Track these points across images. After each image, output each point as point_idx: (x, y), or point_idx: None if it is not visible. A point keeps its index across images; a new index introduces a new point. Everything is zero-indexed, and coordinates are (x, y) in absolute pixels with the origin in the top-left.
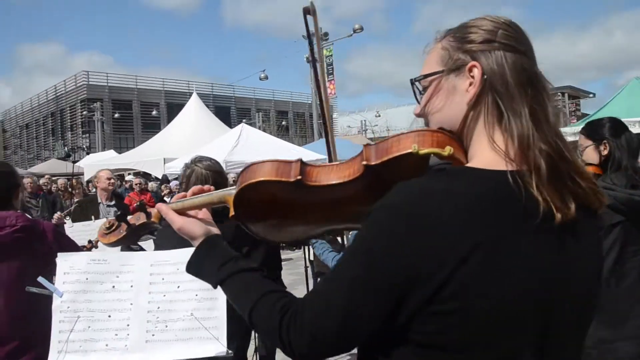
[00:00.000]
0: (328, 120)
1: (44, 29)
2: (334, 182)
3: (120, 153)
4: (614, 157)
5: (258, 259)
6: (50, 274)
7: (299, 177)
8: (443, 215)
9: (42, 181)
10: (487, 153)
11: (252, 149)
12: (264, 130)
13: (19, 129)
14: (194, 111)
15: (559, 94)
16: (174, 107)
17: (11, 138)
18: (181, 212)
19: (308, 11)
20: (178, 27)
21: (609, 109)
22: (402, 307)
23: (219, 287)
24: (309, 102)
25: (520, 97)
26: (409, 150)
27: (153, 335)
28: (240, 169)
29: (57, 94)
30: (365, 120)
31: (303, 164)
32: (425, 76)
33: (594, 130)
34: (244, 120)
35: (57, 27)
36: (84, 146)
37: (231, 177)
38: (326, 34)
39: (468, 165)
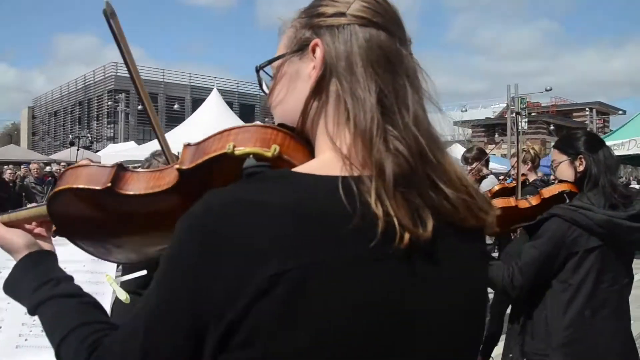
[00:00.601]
0: (150, 111)
1: (80, 20)
2: (144, 192)
3: (140, 144)
4: (591, 174)
5: None
6: None
7: (109, 185)
8: (242, 233)
9: (54, 168)
10: (327, 153)
11: None
12: None
13: (48, 116)
14: (215, 107)
15: (587, 109)
16: (199, 102)
17: (40, 124)
18: (12, 225)
19: (107, 14)
20: (211, 23)
21: (633, 125)
22: (203, 350)
23: (103, 294)
24: None
25: (368, 81)
26: (224, 151)
27: (26, 340)
28: None
29: (86, 84)
30: None
31: (120, 169)
32: (269, 62)
33: (568, 144)
34: (266, 120)
35: (92, 18)
36: (89, 136)
37: None
38: None
39: (294, 169)
